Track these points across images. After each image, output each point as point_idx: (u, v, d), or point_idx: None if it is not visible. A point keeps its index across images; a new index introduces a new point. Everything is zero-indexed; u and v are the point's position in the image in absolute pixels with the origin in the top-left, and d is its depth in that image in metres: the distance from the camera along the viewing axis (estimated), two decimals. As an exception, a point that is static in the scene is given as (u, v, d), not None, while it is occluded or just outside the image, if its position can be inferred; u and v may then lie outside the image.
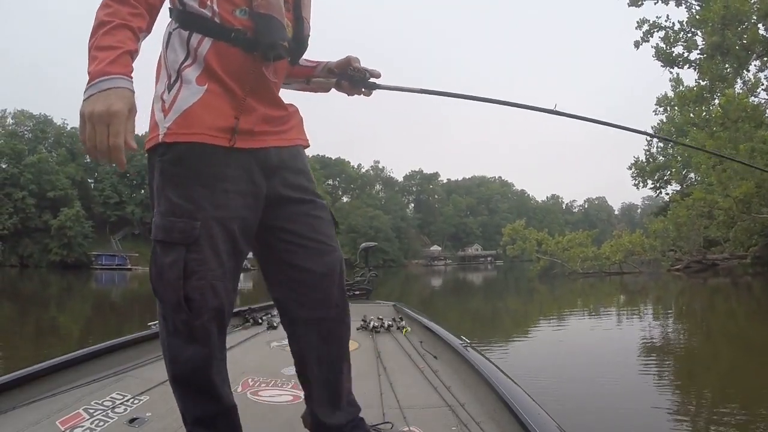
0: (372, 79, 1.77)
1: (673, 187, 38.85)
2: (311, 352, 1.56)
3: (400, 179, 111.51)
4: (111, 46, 1.18)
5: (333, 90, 1.86)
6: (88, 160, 73.68)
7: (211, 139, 1.32)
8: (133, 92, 1.19)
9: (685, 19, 21.98)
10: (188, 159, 1.32)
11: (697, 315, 12.55)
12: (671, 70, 23.85)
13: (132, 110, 1.17)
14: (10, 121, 69.41)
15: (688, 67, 22.64)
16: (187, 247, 1.32)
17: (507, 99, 1.92)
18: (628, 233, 34.89)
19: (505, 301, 18.77)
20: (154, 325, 3.19)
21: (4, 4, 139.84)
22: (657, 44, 22.83)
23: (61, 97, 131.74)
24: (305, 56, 1.67)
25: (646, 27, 22.81)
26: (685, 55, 22.41)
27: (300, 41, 1.54)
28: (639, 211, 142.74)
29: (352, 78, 1.76)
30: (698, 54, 21.93)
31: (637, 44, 23.23)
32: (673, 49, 22.58)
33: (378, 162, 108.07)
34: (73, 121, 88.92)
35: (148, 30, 1.34)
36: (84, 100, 1.14)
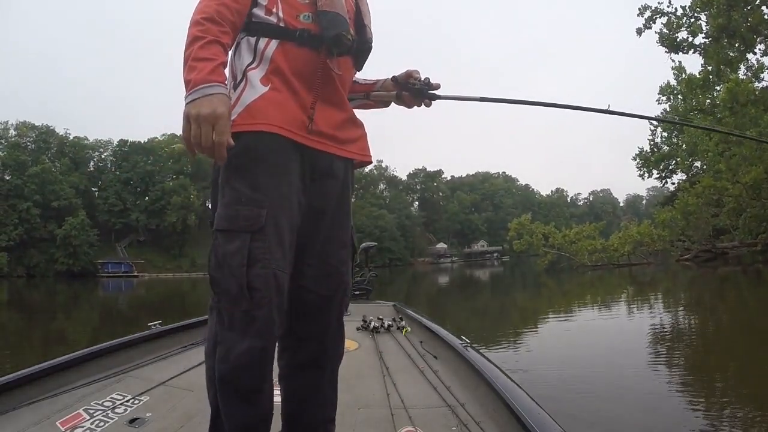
0: (432, 91, 1.79)
1: (679, 177, 38.51)
2: (298, 369, 1.59)
3: (404, 178, 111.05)
4: (207, 58, 1.28)
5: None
6: (92, 168, 74.11)
7: (275, 129, 1.37)
8: (230, 97, 1.30)
9: (689, 4, 21.68)
10: (255, 148, 1.36)
11: (708, 305, 12.33)
12: (672, 58, 23.67)
13: (230, 113, 1.27)
14: (12, 132, 69.68)
15: (693, 52, 22.35)
16: (252, 235, 1.33)
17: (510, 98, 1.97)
18: (636, 224, 34.61)
19: (513, 297, 18.62)
20: (154, 325, 3.28)
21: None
22: (661, 29, 22.54)
23: (65, 103, 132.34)
24: (364, 75, 1.78)
25: (648, 13, 22.53)
26: (690, 39, 22.10)
27: (364, 43, 1.60)
28: (644, 202, 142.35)
29: (413, 89, 1.78)
30: (703, 38, 21.64)
31: (639, 31, 22.91)
32: (677, 35, 22.27)
33: (381, 161, 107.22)
34: (75, 131, 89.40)
35: (231, 47, 1.42)
36: (187, 104, 1.24)
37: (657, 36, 22.74)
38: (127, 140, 76.41)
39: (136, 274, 64.14)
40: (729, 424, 3.93)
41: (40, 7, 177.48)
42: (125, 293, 32.32)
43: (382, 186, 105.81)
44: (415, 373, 2.69)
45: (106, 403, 2.17)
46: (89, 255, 63.83)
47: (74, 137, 74.69)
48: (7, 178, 62.51)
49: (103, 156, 78.37)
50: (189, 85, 1.25)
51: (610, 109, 1.93)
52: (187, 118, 1.23)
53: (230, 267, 1.32)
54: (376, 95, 1.84)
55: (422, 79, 1.78)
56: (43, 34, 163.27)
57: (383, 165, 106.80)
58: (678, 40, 22.43)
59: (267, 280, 1.33)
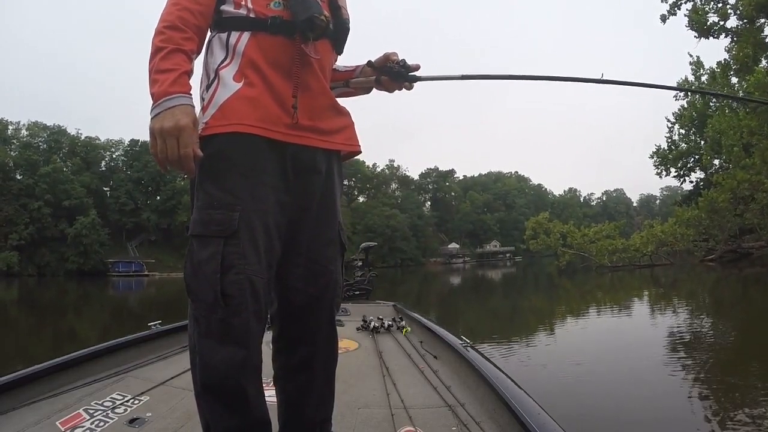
0: (412, 72, 1.74)
1: (697, 175, 37.80)
2: (292, 370, 1.55)
3: (416, 177, 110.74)
4: (169, 69, 1.25)
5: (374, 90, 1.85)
6: (103, 168, 74.44)
7: (248, 129, 1.31)
8: (194, 107, 1.27)
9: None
10: (226, 150, 1.32)
11: (735, 308, 11.78)
12: (691, 53, 22.90)
13: (195, 123, 1.24)
14: (24, 132, 70.06)
15: (725, 36, 21.49)
16: (225, 240, 1.28)
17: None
18: (659, 223, 33.88)
19: (528, 301, 18.16)
20: (154, 325, 3.29)
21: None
22: (690, 13, 21.74)
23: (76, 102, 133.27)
24: (344, 62, 1.75)
25: (672, -1, 21.81)
26: (721, 23, 21.26)
27: (340, 24, 1.53)
28: (658, 201, 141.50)
29: (391, 72, 1.73)
30: (738, 20, 20.76)
31: (663, 18, 22.25)
32: (707, 18, 21.43)
33: (393, 161, 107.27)
34: (86, 131, 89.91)
35: (198, 51, 1.38)
36: (152, 119, 1.22)
37: (686, 20, 21.96)
38: (139, 140, 76.33)
39: (146, 273, 64.25)
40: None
41: (50, 7, 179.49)
42: (136, 292, 32.50)
43: (394, 185, 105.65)
44: (415, 373, 2.70)
45: (106, 403, 2.17)
46: (100, 254, 63.97)
47: (86, 137, 75.00)
48: (19, 177, 62.83)
49: (114, 155, 78.53)
50: (153, 98, 1.22)
51: (603, 78, 1.88)
52: (152, 134, 1.21)
53: (205, 274, 1.28)
54: (355, 82, 1.79)
55: (399, 61, 1.72)
56: (54, 35, 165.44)
57: (395, 164, 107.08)
58: (708, 23, 21.58)
59: (242, 286, 1.28)
